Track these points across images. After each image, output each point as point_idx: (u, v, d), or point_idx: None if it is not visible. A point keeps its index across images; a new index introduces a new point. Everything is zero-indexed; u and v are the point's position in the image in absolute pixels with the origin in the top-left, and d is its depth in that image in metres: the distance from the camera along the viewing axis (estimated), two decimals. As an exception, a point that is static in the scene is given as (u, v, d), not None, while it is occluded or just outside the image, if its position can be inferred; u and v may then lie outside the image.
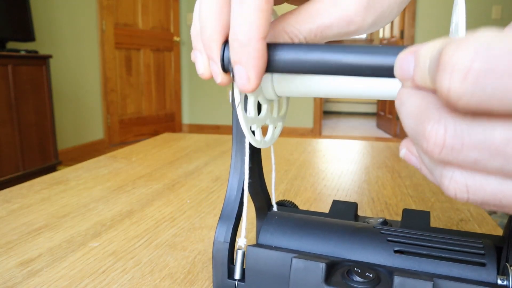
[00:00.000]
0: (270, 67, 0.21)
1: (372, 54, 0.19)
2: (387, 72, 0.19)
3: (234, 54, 0.21)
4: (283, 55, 0.21)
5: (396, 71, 0.16)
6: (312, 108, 4.11)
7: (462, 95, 0.12)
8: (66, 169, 0.71)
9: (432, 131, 0.13)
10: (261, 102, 0.29)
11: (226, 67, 0.22)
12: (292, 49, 0.21)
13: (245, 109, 0.27)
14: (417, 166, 0.17)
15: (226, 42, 0.22)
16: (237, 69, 0.21)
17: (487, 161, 0.13)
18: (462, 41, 0.12)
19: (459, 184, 0.14)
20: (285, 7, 0.35)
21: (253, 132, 0.27)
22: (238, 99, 0.25)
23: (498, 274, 0.25)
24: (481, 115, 0.12)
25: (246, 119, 0.26)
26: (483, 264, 0.26)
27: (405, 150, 0.17)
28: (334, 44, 0.20)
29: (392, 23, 4.19)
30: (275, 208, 0.35)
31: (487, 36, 0.12)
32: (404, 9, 3.80)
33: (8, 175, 2.22)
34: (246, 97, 0.27)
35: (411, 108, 0.15)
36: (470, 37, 0.12)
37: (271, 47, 0.21)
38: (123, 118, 3.75)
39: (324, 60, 0.20)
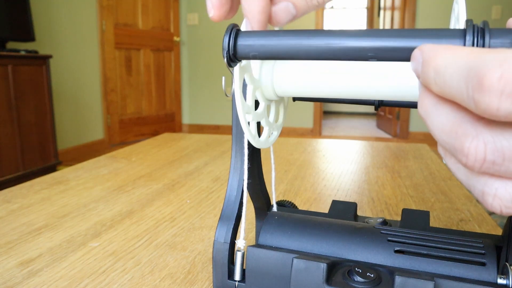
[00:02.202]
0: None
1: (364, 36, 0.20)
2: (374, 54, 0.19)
3: None
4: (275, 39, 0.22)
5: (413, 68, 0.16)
6: (312, 108, 4.10)
7: (509, 114, 0.12)
8: (66, 169, 0.71)
9: (471, 147, 0.13)
10: (259, 98, 0.29)
11: None
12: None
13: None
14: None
15: None
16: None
17: None
18: (502, 61, 0.12)
19: (503, 200, 0.14)
20: None
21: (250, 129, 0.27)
22: (238, 77, 0.25)
23: (498, 273, 0.25)
24: None
25: (244, 103, 0.25)
26: (483, 264, 0.26)
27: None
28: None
29: (392, 23, 4.19)
30: (275, 208, 0.35)
31: None
32: (404, 9, 3.80)
33: (8, 175, 2.21)
34: (245, 88, 0.27)
35: (442, 123, 0.14)
36: (507, 56, 0.12)
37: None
38: (123, 118, 3.74)
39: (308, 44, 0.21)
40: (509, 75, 0.12)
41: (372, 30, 0.20)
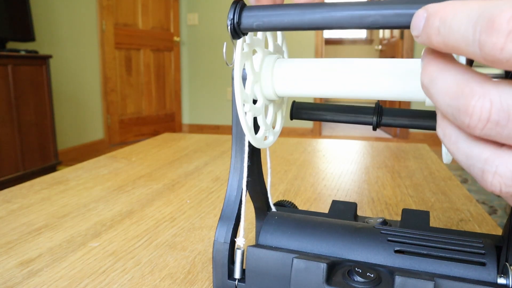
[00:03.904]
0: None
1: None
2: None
3: None
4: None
5: (413, 29, 0.16)
6: (312, 108, 4.10)
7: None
8: (66, 169, 0.71)
9: (477, 106, 0.13)
10: (258, 95, 0.29)
11: None
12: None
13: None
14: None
15: None
16: None
17: None
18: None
19: (504, 177, 0.14)
20: None
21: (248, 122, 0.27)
22: (240, 50, 0.25)
23: (498, 273, 0.25)
24: None
25: (242, 90, 0.26)
26: (483, 264, 0.26)
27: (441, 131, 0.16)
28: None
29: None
30: (273, 209, 0.35)
31: None
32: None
33: (8, 175, 2.21)
34: (244, 80, 0.27)
35: (448, 84, 0.14)
36: None
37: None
38: (123, 118, 3.74)
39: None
40: None
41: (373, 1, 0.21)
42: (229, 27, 0.24)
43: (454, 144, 0.15)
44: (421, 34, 0.15)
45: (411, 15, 0.18)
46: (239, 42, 0.25)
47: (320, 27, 0.22)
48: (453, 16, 0.14)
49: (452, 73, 0.14)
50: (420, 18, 0.16)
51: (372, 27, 0.20)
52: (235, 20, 0.24)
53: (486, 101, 0.13)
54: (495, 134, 0.13)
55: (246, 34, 0.25)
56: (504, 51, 0.12)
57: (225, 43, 0.26)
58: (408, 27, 0.19)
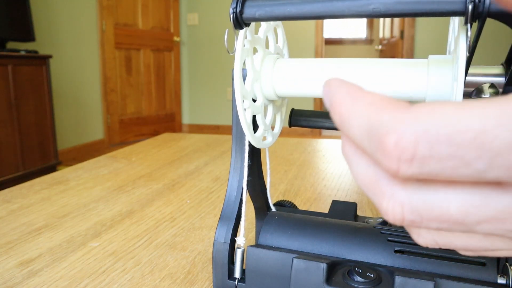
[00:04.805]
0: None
1: None
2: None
3: None
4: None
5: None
6: (312, 108, 4.11)
7: (411, 176, 0.12)
8: (66, 169, 0.71)
9: (389, 208, 0.13)
10: (257, 94, 0.28)
11: None
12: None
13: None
14: None
15: None
16: None
17: (449, 228, 0.12)
18: (400, 123, 0.11)
19: (428, 240, 0.14)
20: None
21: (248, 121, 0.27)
22: (240, 48, 0.25)
23: (498, 273, 0.25)
24: (435, 182, 0.12)
25: (242, 84, 0.26)
26: (483, 264, 0.26)
27: None
28: None
29: (392, 23, 4.19)
30: (273, 209, 0.35)
31: (427, 115, 0.11)
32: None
33: (8, 175, 2.21)
34: (244, 77, 0.27)
35: (362, 174, 0.14)
36: (408, 118, 0.11)
37: None
38: (123, 118, 3.74)
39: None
40: (405, 141, 0.11)
41: None
42: (231, 17, 0.24)
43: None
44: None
45: (412, 3, 0.18)
46: (241, 32, 0.25)
47: (322, 16, 0.22)
48: (348, 120, 0.13)
49: (364, 162, 0.14)
50: (327, 100, 0.15)
51: (373, 15, 0.20)
52: (238, 9, 0.24)
53: (396, 204, 0.13)
54: (415, 227, 0.13)
55: (249, 25, 0.25)
56: (400, 173, 0.12)
57: (227, 30, 0.26)
58: (409, 15, 0.19)
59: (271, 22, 0.29)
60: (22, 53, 2.32)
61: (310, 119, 0.35)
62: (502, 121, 0.10)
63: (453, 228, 0.12)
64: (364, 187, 0.14)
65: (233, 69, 0.26)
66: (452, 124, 0.11)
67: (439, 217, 0.12)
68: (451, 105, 0.11)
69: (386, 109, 0.12)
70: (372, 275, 0.25)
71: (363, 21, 6.15)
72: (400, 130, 0.11)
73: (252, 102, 0.27)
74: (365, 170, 0.14)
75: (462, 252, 0.14)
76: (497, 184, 0.11)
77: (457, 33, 0.22)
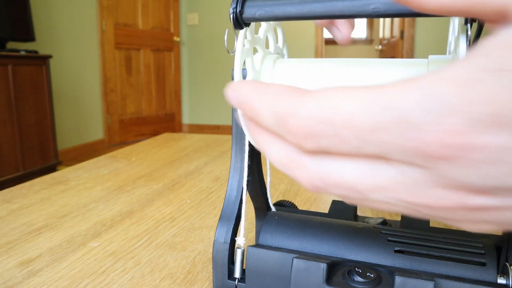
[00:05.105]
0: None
1: None
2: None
3: None
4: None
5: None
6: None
7: (314, 149, 0.14)
8: (66, 169, 0.71)
9: (304, 177, 0.15)
10: None
11: None
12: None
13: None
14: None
15: None
16: None
17: (349, 195, 0.14)
18: (298, 106, 0.13)
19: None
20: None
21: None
22: (240, 48, 0.25)
23: (498, 273, 0.25)
24: (334, 154, 0.14)
25: (241, 70, 0.26)
26: (483, 264, 0.26)
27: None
28: None
29: (392, 23, 4.19)
30: (273, 209, 0.35)
31: (319, 98, 0.13)
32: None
33: (8, 175, 2.21)
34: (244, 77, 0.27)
35: (278, 156, 0.16)
36: (304, 101, 0.13)
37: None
38: (123, 118, 3.74)
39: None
40: (301, 121, 0.13)
41: None
42: (231, 17, 0.24)
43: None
44: (246, 118, 0.17)
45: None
46: (241, 32, 0.25)
47: (322, 16, 0.22)
48: (258, 110, 0.15)
49: (278, 148, 0.16)
50: (233, 102, 0.16)
51: (373, 15, 0.20)
52: (238, 9, 0.24)
53: (308, 174, 0.15)
54: (322, 191, 0.15)
55: (249, 25, 0.25)
56: (306, 148, 0.14)
57: (227, 30, 0.26)
58: (409, 15, 0.19)
59: (271, 22, 0.29)
60: (22, 53, 2.32)
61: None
62: (367, 106, 0.12)
63: (351, 195, 0.14)
64: (282, 166, 0.16)
65: (233, 69, 0.26)
66: (332, 107, 0.13)
67: (338, 184, 0.14)
68: (345, 89, 0.13)
69: (288, 96, 0.14)
70: (372, 275, 0.25)
71: (363, 21, 6.15)
72: (298, 112, 0.13)
73: None
74: (280, 150, 0.16)
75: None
76: (381, 157, 0.13)
77: (457, 33, 0.22)
